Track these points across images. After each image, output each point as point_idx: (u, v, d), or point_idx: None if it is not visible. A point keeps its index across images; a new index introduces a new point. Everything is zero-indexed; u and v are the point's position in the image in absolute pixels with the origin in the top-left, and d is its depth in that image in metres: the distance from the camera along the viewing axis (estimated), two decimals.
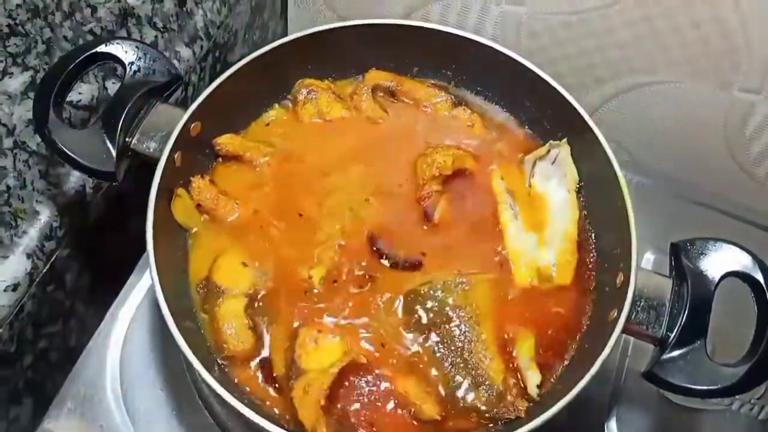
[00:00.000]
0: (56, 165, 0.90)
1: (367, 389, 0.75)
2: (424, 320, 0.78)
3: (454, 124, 0.93)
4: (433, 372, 0.76)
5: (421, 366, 0.77)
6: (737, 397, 0.91)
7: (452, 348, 0.77)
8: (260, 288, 0.80)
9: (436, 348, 0.77)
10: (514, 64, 0.88)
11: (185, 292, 0.80)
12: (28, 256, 0.85)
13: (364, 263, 0.82)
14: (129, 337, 0.89)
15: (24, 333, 0.87)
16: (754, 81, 1.00)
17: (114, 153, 0.79)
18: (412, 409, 0.74)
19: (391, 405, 0.74)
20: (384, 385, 0.75)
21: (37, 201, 0.88)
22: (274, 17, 1.27)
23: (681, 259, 0.74)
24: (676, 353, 0.71)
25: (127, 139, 0.80)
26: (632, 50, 1.04)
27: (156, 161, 0.79)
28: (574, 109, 0.85)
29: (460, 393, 0.75)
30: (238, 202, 0.85)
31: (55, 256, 0.89)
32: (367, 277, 0.81)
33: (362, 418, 0.74)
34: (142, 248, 0.94)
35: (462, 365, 0.76)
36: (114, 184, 0.81)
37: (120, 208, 1.00)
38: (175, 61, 1.01)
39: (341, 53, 0.93)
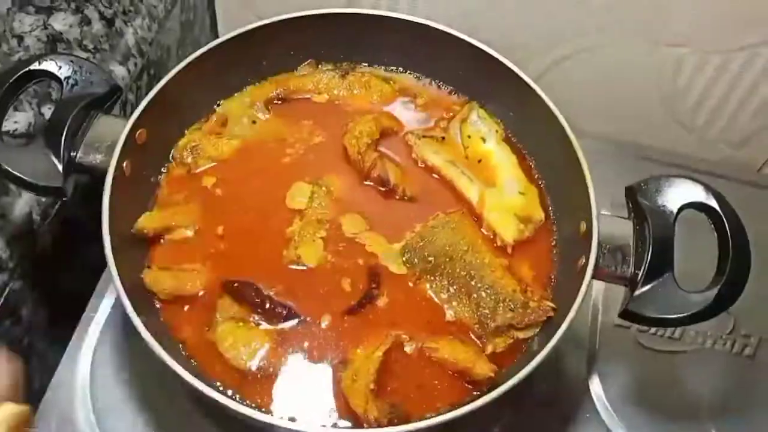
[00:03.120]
0: None
1: (415, 365, 0.75)
2: (429, 267, 0.80)
3: (353, 94, 0.94)
4: (461, 312, 0.78)
5: (449, 314, 0.78)
6: (709, 333, 0.93)
7: (464, 281, 0.79)
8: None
9: (450, 288, 0.79)
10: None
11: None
12: None
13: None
14: (97, 361, 0.86)
15: None
16: (681, 34, 1.04)
17: (60, 168, 0.76)
18: (466, 374, 0.74)
19: (441, 374, 0.75)
20: (431, 355, 0.75)
21: None
22: (205, 33, 1.26)
23: (638, 199, 0.75)
24: (646, 288, 0.72)
25: (72, 154, 0.78)
26: (561, 20, 1.07)
27: (104, 173, 0.77)
28: (515, 74, 0.88)
29: (489, 320, 0.77)
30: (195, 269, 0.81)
31: (8, 289, 0.85)
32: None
33: (415, 395, 0.73)
34: (99, 273, 0.92)
35: (480, 289, 0.78)
36: (63, 199, 0.79)
37: (71, 233, 0.96)
38: None
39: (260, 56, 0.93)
